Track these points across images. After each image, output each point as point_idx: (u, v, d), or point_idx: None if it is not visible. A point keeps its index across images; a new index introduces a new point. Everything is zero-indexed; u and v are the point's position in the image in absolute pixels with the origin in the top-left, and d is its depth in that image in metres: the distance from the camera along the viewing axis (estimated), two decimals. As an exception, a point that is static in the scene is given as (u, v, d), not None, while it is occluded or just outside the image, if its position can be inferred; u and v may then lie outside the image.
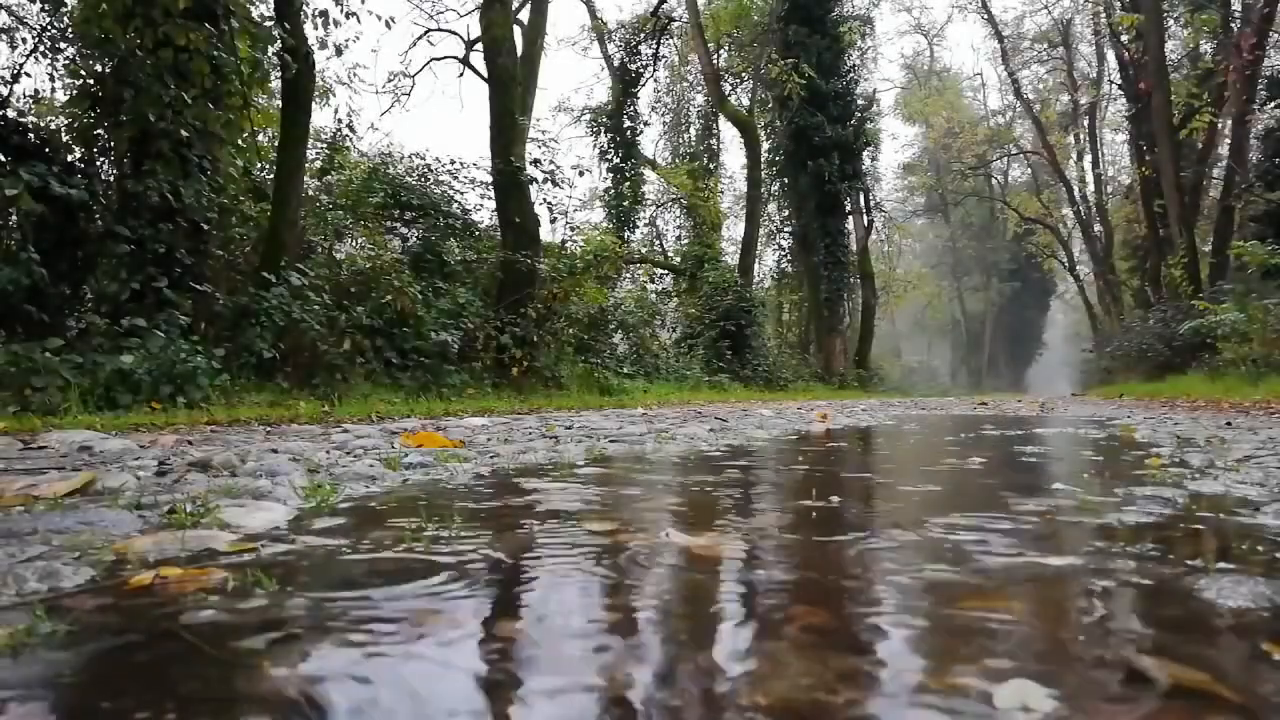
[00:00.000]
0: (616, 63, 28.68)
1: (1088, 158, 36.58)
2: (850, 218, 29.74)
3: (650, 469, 2.98)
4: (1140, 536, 1.54)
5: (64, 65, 8.64)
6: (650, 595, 1.15)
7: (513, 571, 1.28)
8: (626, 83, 28.21)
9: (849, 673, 0.83)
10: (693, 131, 30.76)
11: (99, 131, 8.03)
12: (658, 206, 30.48)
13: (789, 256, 31.64)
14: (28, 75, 8.44)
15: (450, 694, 0.78)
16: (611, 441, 4.09)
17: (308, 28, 9.47)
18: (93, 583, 1.17)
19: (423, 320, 10.31)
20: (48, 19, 8.59)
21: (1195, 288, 19.23)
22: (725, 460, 3.28)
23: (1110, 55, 31.64)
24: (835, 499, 2.12)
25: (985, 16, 35.80)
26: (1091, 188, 36.72)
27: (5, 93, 7.87)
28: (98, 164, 8.17)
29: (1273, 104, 19.67)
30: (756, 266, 29.55)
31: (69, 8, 8.38)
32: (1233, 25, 21.56)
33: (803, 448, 4.10)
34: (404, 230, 13.89)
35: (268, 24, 9.05)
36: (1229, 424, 5.57)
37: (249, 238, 9.66)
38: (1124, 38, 25.47)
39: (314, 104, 10.45)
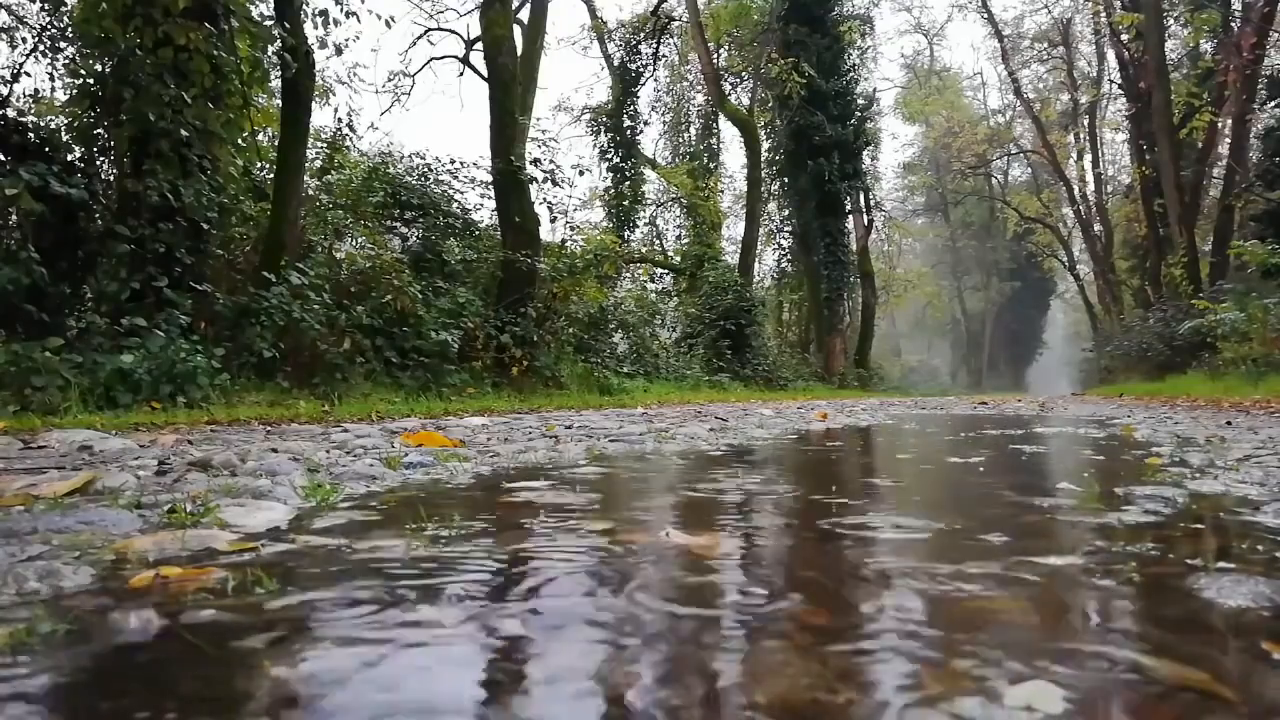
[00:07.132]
0: (616, 62, 28.70)
1: (1088, 157, 36.58)
2: (850, 217, 29.77)
3: (650, 468, 2.98)
4: (1140, 535, 1.54)
5: (64, 65, 8.63)
6: (650, 594, 1.15)
7: (513, 570, 1.28)
8: (626, 82, 28.23)
9: (848, 672, 0.83)
10: (693, 131, 30.80)
11: (99, 131, 8.02)
12: (658, 206, 30.51)
13: (789, 256, 31.66)
14: (28, 75, 8.43)
15: (451, 693, 0.78)
16: (611, 441, 4.09)
17: (308, 27, 9.47)
18: (93, 582, 1.17)
19: (423, 320, 10.31)
20: (48, 18, 8.58)
21: (1195, 287, 19.24)
22: (725, 459, 3.28)
23: (1110, 54, 31.64)
24: (835, 498, 2.12)
25: (985, 16, 35.76)
26: (1091, 187, 36.75)
27: (5, 92, 7.87)
28: (98, 164, 8.16)
29: (1273, 104, 19.69)
30: (756, 266, 29.58)
31: (69, 7, 8.38)
32: (1233, 25, 21.55)
33: (802, 447, 4.10)
34: (404, 230, 13.87)
35: (268, 23, 9.04)
36: (1229, 423, 5.58)
37: (249, 238, 9.65)
38: (1124, 37, 25.46)
39: (314, 103, 10.44)
